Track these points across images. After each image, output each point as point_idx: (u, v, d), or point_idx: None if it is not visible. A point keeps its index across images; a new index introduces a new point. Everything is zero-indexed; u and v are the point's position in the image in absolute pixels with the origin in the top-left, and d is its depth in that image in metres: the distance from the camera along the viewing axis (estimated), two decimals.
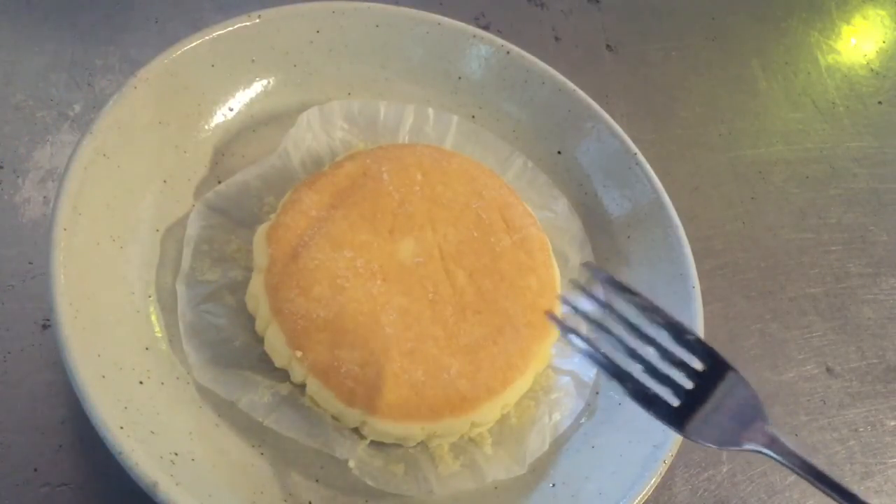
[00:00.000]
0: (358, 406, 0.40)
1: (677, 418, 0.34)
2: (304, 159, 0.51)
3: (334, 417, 0.42)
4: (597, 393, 0.47)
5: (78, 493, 0.42)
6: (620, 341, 0.35)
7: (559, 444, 0.45)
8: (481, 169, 0.51)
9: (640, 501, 0.40)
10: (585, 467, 0.44)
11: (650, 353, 0.35)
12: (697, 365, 0.34)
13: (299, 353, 0.41)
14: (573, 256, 0.52)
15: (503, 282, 0.46)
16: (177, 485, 0.35)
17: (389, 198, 0.47)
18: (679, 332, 0.34)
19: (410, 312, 0.43)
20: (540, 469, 0.44)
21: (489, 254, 0.47)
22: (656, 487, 0.41)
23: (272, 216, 0.46)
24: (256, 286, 0.43)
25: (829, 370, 0.58)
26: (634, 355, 0.35)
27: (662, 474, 0.41)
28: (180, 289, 0.44)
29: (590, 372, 0.48)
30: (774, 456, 0.32)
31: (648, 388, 0.34)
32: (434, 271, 0.45)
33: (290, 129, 0.51)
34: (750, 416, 0.33)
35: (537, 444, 0.44)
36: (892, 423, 0.56)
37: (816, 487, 0.31)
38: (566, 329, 0.36)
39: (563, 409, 0.46)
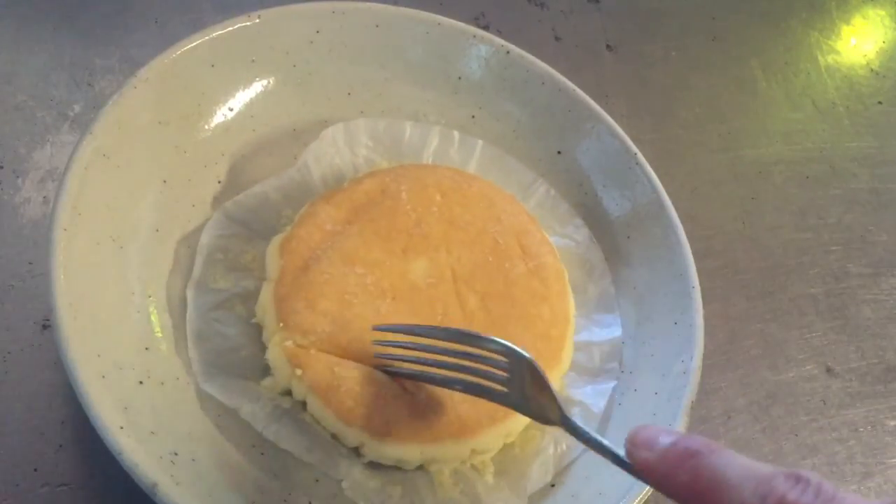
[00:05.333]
0: (356, 426, 0.40)
1: (511, 401, 0.37)
2: (325, 174, 0.51)
3: (333, 436, 0.42)
4: None
5: (78, 493, 0.41)
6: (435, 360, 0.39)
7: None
8: (502, 194, 0.50)
9: (639, 501, 0.40)
10: (585, 467, 0.44)
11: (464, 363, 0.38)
12: (502, 359, 0.37)
13: (299, 372, 0.40)
14: (591, 288, 0.51)
15: (514, 308, 0.45)
16: (177, 485, 0.35)
17: (406, 217, 0.46)
18: (474, 339, 0.38)
19: None
20: None
21: (503, 279, 0.46)
22: None
23: (288, 228, 0.46)
24: (266, 296, 0.43)
25: (829, 370, 0.58)
26: (452, 366, 0.38)
27: None
28: (190, 295, 0.44)
29: (600, 403, 0.46)
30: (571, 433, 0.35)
31: (478, 383, 0.38)
32: (445, 293, 0.44)
33: (290, 129, 0.50)
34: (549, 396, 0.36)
35: (539, 475, 0.43)
36: (892, 423, 0.56)
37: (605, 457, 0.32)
38: (387, 357, 0.40)
39: (569, 439, 0.43)
